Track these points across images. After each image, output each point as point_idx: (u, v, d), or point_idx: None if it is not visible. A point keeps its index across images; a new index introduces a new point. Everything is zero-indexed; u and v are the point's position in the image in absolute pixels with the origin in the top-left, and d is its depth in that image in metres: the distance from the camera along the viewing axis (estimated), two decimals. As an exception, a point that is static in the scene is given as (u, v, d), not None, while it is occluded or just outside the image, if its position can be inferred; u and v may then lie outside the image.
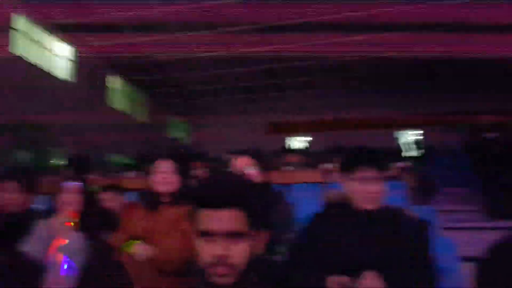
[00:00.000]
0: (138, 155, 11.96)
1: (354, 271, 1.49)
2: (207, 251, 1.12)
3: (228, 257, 1.11)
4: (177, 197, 2.24)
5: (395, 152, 13.49)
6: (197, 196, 1.20)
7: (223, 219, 1.12)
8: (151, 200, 2.26)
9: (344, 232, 1.69)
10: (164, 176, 2.24)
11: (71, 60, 15.96)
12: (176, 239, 2.01)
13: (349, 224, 1.71)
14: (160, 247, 1.98)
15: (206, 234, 1.13)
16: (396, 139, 21.53)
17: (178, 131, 24.07)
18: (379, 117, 20.63)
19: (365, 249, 1.61)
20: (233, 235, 1.12)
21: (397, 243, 1.64)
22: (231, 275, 1.11)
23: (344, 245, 1.65)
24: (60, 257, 2.22)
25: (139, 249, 1.97)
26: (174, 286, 1.85)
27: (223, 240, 1.11)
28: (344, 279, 1.47)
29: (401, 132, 21.96)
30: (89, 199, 2.45)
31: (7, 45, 12.93)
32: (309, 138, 22.53)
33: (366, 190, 1.71)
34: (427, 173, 7.89)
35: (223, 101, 21.60)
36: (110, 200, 3.20)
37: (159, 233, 2.09)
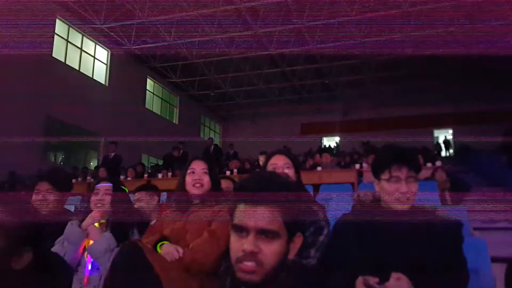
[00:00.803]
0: (166, 157, 12.11)
1: (384, 273, 1.44)
2: (238, 245, 1.13)
3: (257, 254, 1.10)
4: (209, 199, 2.23)
5: (429, 151, 13.13)
6: (237, 190, 1.22)
7: (258, 216, 1.13)
8: (181, 200, 2.26)
9: (375, 233, 1.64)
10: (196, 178, 2.23)
11: (108, 64, 16.37)
12: (206, 239, 2.00)
13: (380, 225, 1.66)
14: (190, 247, 1.98)
15: (240, 229, 1.13)
16: (432, 138, 20.94)
17: (211, 132, 24.28)
18: (413, 116, 20.12)
19: (396, 250, 1.56)
20: (266, 233, 1.12)
21: (428, 244, 1.59)
22: (258, 273, 1.10)
23: (375, 246, 1.60)
24: (86, 258, 2.25)
25: (168, 250, 1.97)
26: (202, 287, 1.85)
27: (255, 236, 1.11)
28: (374, 280, 1.43)
29: (436, 130, 21.35)
30: (120, 200, 2.46)
31: (49, 49, 13.44)
32: (341, 139, 22.25)
33: (397, 190, 1.66)
34: (461, 172, 7.61)
35: (255, 103, 21.64)
36: (144, 200, 3.24)
37: (189, 234, 2.09)
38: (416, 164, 1.71)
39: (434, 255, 1.56)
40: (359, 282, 1.46)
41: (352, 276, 1.49)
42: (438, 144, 19.44)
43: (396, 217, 1.66)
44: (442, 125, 20.77)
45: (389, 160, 1.71)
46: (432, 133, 21.22)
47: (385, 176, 1.69)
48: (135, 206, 3.19)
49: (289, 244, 1.17)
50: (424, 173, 6.54)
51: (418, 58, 15.32)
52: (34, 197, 2.52)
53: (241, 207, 1.16)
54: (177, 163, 11.05)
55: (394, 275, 1.41)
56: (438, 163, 8.33)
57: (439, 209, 1.80)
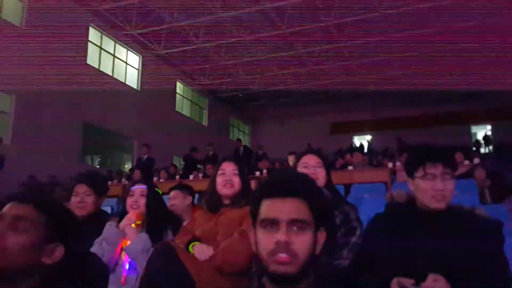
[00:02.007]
0: (186, 158, 12.24)
1: (420, 274, 1.41)
2: (269, 238, 1.13)
3: (291, 245, 1.10)
4: (238, 199, 2.25)
5: (466, 148, 12.75)
6: (263, 186, 1.23)
7: (287, 207, 1.14)
8: (212, 201, 2.29)
9: (409, 234, 1.61)
10: (226, 179, 2.25)
11: (139, 69, 16.73)
12: (237, 240, 2.02)
13: (415, 225, 1.63)
14: (221, 248, 2.00)
15: (270, 223, 1.14)
16: (470, 135, 20.31)
17: (240, 133, 24.40)
18: (449, 112, 19.57)
19: (432, 251, 1.53)
20: (297, 223, 1.13)
21: (466, 244, 1.53)
22: (293, 265, 1.10)
23: (410, 247, 1.57)
24: (124, 257, 2.31)
25: (200, 250, 2.00)
26: (234, 287, 1.86)
27: (286, 227, 1.12)
28: (409, 282, 1.40)
29: (474, 126, 20.69)
30: (154, 201, 2.52)
31: (83, 56, 13.87)
32: (373, 137, 21.90)
33: (433, 189, 1.61)
34: (501, 170, 7.34)
35: (285, 103, 21.59)
36: (178, 199, 3.30)
37: (220, 234, 2.11)
38: (452, 161, 1.67)
39: (473, 255, 1.52)
40: (394, 284, 1.44)
41: (386, 278, 1.47)
42: (476, 141, 18.85)
43: (431, 217, 1.62)
44: (480, 121, 20.10)
45: (423, 157, 1.67)
46: (469, 130, 20.61)
47: (419, 173, 1.65)
48: (170, 204, 3.25)
49: (315, 239, 1.17)
50: (462, 171, 6.34)
51: (451, 52, 14.91)
52: (73, 199, 2.61)
53: (266, 202, 1.17)
54: (197, 164, 11.20)
55: (431, 276, 1.38)
56: (477, 161, 8.06)
57: (478, 208, 1.74)
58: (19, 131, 11.40)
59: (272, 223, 1.14)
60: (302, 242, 1.12)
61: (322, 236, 1.20)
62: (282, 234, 1.11)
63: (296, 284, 1.14)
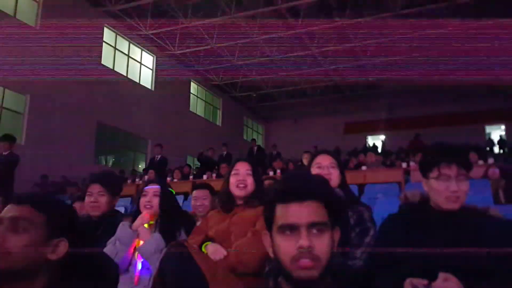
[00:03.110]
0: (200, 158, 12.29)
1: (433, 275, 1.39)
2: (291, 244, 1.11)
3: (313, 249, 1.09)
4: (252, 199, 2.24)
5: (481, 148, 12.56)
6: (277, 191, 1.21)
7: (305, 211, 1.13)
8: (226, 201, 2.29)
9: (424, 234, 1.59)
10: (240, 179, 2.25)
11: (153, 69, 16.85)
12: (250, 240, 2.02)
13: (429, 226, 1.61)
14: (234, 248, 2.00)
15: (290, 228, 1.13)
16: (484, 134, 20.00)
17: (253, 133, 24.41)
18: (463, 112, 19.30)
19: (446, 252, 1.51)
20: (316, 226, 1.12)
21: (480, 245, 1.51)
22: (316, 269, 1.10)
23: (424, 248, 1.55)
24: (137, 257, 2.33)
25: (213, 250, 2.01)
26: (248, 287, 1.86)
27: (306, 231, 1.11)
28: (422, 282, 1.39)
29: (488, 126, 20.37)
30: (168, 201, 2.53)
31: (99, 57, 14.03)
32: (386, 137, 21.71)
33: (447, 190, 1.59)
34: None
35: (299, 103, 21.52)
36: (199, 199, 3.26)
37: (233, 235, 2.11)
38: (467, 162, 1.64)
39: (487, 256, 1.49)
40: (407, 284, 1.42)
41: (400, 278, 1.45)
42: (490, 141, 18.55)
43: (445, 218, 1.60)
44: (494, 121, 19.77)
45: (437, 157, 1.65)
46: (483, 130, 20.29)
47: (433, 174, 1.63)
48: (198, 204, 3.24)
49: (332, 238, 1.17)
50: (476, 171, 6.26)
51: (466, 52, 14.70)
52: (86, 199, 2.64)
53: (282, 207, 1.16)
54: (211, 164, 11.23)
55: (442, 276, 1.36)
56: (491, 161, 7.95)
57: (492, 208, 1.71)
58: (33, 131, 11.56)
59: (291, 229, 1.13)
60: (323, 245, 1.12)
61: (337, 234, 1.20)
62: (304, 239, 1.10)
63: (316, 286, 1.13)
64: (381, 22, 13.06)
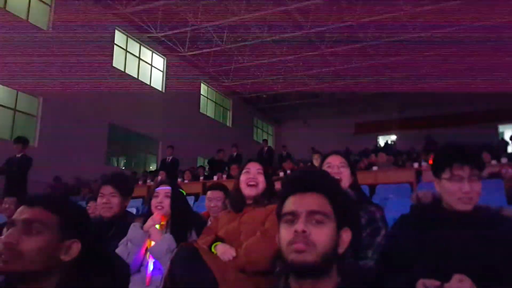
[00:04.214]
0: (210, 159, 12.33)
1: (445, 276, 1.38)
2: (289, 230, 1.16)
3: (309, 234, 1.13)
4: (262, 198, 2.24)
5: (494, 147, 12.40)
6: (285, 184, 1.28)
7: (306, 200, 1.18)
8: (236, 201, 2.30)
9: (436, 235, 1.58)
10: (250, 177, 2.25)
11: (164, 71, 16.95)
12: (259, 239, 2.01)
13: (441, 226, 1.59)
14: (244, 248, 2.00)
15: (290, 215, 1.18)
16: (497, 134, 19.75)
17: (264, 134, 24.40)
18: (476, 111, 19.07)
19: (459, 253, 1.49)
20: (316, 215, 1.16)
21: (494, 246, 1.50)
22: (310, 253, 1.11)
23: (436, 249, 1.54)
24: (148, 258, 2.34)
25: (223, 250, 2.01)
26: (258, 287, 1.86)
27: (305, 218, 1.15)
28: (434, 283, 1.37)
29: (501, 126, 20.10)
30: (179, 202, 2.54)
31: (109, 59, 14.16)
32: (398, 137, 21.54)
33: (460, 191, 1.58)
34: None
35: (309, 103, 21.44)
36: (213, 200, 3.27)
37: (243, 234, 2.11)
38: (479, 162, 1.63)
39: (501, 257, 1.48)
40: (419, 286, 1.41)
41: (411, 279, 1.44)
42: (503, 140, 18.30)
43: (458, 218, 1.59)
44: (507, 120, 19.50)
45: (450, 158, 1.64)
46: (496, 129, 20.03)
47: (446, 175, 1.62)
48: (212, 205, 3.25)
49: (338, 236, 1.18)
50: (489, 171, 6.18)
51: (480, 49, 14.52)
52: (98, 200, 2.66)
53: (289, 199, 1.22)
54: (221, 166, 11.26)
55: (456, 277, 1.35)
56: (504, 160, 7.85)
57: (506, 209, 1.69)
58: (46, 133, 11.69)
59: (292, 216, 1.17)
60: (320, 233, 1.14)
61: (347, 235, 1.21)
62: (300, 224, 1.14)
63: (318, 280, 1.14)
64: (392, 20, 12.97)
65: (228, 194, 3.26)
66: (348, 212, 1.24)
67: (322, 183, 1.22)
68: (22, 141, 7.23)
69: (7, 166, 7.01)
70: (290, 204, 1.20)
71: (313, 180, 1.22)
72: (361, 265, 1.93)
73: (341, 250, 1.19)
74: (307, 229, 1.13)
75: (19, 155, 7.08)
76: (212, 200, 3.26)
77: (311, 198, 1.18)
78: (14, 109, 11.64)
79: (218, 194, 3.28)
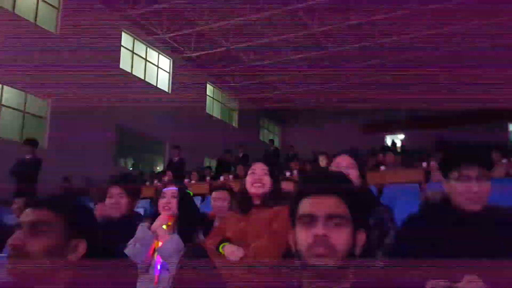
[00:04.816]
0: (222, 159, 12.34)
1: (454, 276, 1.37)
2: (307, 233, 1.15)
3: (329, 239, 1.13)
4: (269, 199, 2.24)
5: (504, 146, 12.28)
6: (300, 186, 1.27)
7: (325, 203, 1.17)
8: (243, 201, 2.30)
9: (445, 235, 1.56)
10: (256, 178, 2.25)
11: (170, 72, 17.01)
12: (267, 240, 2.01)
13: (450, 226, 1.58)
14: (251, 248, 2.00)
15: (308, 218, 1.17)
16: (507, 132, 19.55)
17: (270, 134, 24.38)
18: (486, 109, 18.85)
19: (468, 252, 1.48)
20: (334, 218, 1.15)
21: (503, 245, 1.48)
22: (331, 258, 1.12)
23: (445, 249, 1.53)
24: (156, 258, 2.35)
25: (231, 251, 2.01)
26: (266, 286, 1.86)
27: (324, 221, 1.14)
28: (444, 283, 1.36)
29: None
30: (186, 203, 2.55)
31: (117, 61, 14.25)
32: (406, 136, 21.40)
33: (469, 190, 1.57)
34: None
35: (314, 103, 21.37)
36: (219, 200, 3.28)
37: (250, 235, 2.11)
38: (488, 162, 1.62)
39: (510, 257, 1.46)
40: (428, 286, 1.40)
41: (420, 280, 1.43)
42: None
43: (467, 218, 1.57)
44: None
45: (457, 158, 1.63)
46: (506, 127, 19.84)
47: (454, 175, 1.61)
48: (218, 205, 3.26)
49: (354, 238, 1.19)
50: (499, 170, 6.12)
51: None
52: (107, 200, 2.67)
53: (304, 200, 1.20)
54: (230, 166, 11.27)
55: (467, 277, 1.34)
56: (514, 159, 7.75)
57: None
58: (55, 134, 11.78)
59: (310, 219, 1.16)
60: (339, 237, 1.14)
61: (361, 237, 1.21)
62: (320, 228, 1.13)
63: (335, 282, 1.14)
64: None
65: (233, 194, 3.29)
66: (364, 214, 1.25)
67: (340, 186, 1.22)
68: (31, 143, 7.29)
69: (17, 167, 7.07)
70: (308, 206, 1.19)
71: (332, 183, 1.22)
72: (370, 266, 1.92)
73: (357, 251, 1.19)
74: (327, 233, 1.13)
75: (29, 157, 7.13)
76: (217, 200, 3.28)
77: (329, 201, 1.17)
78: (24, 111, 11.74)
79: (223, 194, 3.29)
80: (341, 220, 1.16)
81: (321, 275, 1.14)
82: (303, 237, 1.16)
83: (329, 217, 1.15)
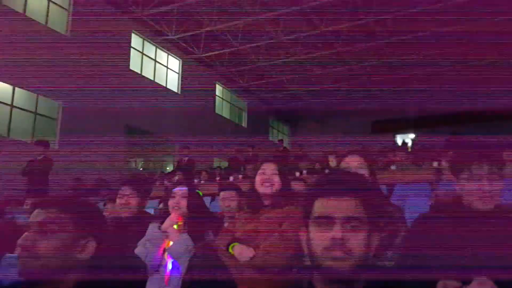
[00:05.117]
0: (231, 159, 12.36)
1: (467, 276, 1.35)
2: (324, 235, 1.13)
3: (346, 242, 1.11)
4: (278, 199, 2.24)
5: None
6: (317, 185, 1.24)
7: (342, 205, 1.15)
8: (252, 201, 2.30)
9: (456, 235, 1.54)
10: (266, 178, 2.25)
11: (180, 73, 17.08)
12: (277, 240, 2.01)
13: (461, 226, 1.56)
14: (261, 248, 2.00)
15: (325, 219, 1.15)
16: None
17: (279, 134, 24.36)
18: (497, 107, 18.63)
19: (479, 253, 1.46)
20: (352, 221, 1.13)
21: None
22: (347, 261, 1.11)
23: (456, 249, 1.51)
24: (166, 258, 2.36)
25: (240, 251, 2.01)
26: (275, 286, 1.86)
27: (342, 224, 1.13)
28: (455, 284, 1.35)
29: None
30: (195, 203, 2.56)
31: (126, 62, 14.34)
32: (416, 135, 21.23)
33: (480, 190, 1.55)
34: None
35: (324, 102, 21.30)
36: (226, 200, 3.28)
37: (260, 235, 2.11)
38: (499, 160, 1.59)
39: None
40: (440, 287, 1.39)
41: (431, 281, 1.42)
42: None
43: (479, 218, 1.56)
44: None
45: (468, 157, 1.61)
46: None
47: (464, 174, 1.59)
48: (225, 205, 3.26)
49: (369, 240, 1.17)
50: (510, 169, 6.03)
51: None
52: (118, 201, 2.69)
53: (321, 201, 1.18)
54: (241, 166, 11.27)
55: (478, 280, 1.32)
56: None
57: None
58: (66, 135, 11.88)
59: (327, 220, 1.14)
60: (356, 240, 1.13)
61: (376, 238, 1.20)
62: (338, 230, 1.11)
63: (348, 284, 1.13)
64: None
65: (241, 194, 3.30)
66: (378, 215, 1.23)
67: (358, 187, 1.19)
68: (43, 143, 7.38)
69: (29, 168, 7.15)
70: (324, 207, 1.16)
71: (349, 183, 1.20)
72: (380, 266, 1.91)
73: (372, 253, 1.18)
74: (345, 236, 1.11)
75: (40, 157, 7.21)
76: (225, 200, 3.28)
77: (347, 202, 1.15)
78: (35, 112, 11.86)
79: (231, 194, 3.29)
80: (358, 223, 1.14)
81: (335, 278, 1.12)
82: (319, 239, 1.14)
83: (347, 219, 1.13)
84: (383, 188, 5.45)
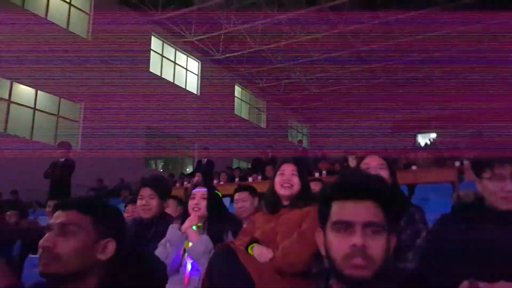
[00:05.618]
0: (254, 160, 12.39)
1: (489, 277, 1.32)
2: (343, 242, 1.10)
3: (367, 249, 1.08)
4: (298, 200, 2.23)
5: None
6: (334, 187, 1.20)
7: (362, 210, 1.11)
8: (271, 202, 2.30)
9: (479, 235, 1.52)
10: (285, 178, 2.25)
11: (199, 74, 17.22)
12: (296, 241, 2.01)
13: (484, 227, 1.53)
14: (280, 249, 2.00)
15: (344, 225, 1.11)
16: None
17: (298, 135, 24.28)
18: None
19: (503, 254, 1.43)
20: (372, 226, 1.10)
21: None
22: (369, 269, 1.08)
23: (479, 250, 1.48)
24: (186, 259, 2.38)
25: (260, 252, 2.01)
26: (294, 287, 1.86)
27: (362, 230, 1.09)
28: (479, 285, 1.32)
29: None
30: (215, 204, 2.57)
31: (146, 65, 14.53)
32: (438, 134, 20.89)
33: (502, 190, 1.51)
34: None
35: (344, 102, 21.16)
36: (248, 202, 3.27)
37: (279, 236, 2.11)
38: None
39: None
40: (463, 287, 1.36)
41: (454, 282, 1.40)
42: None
43: (502, 218, 1.52)
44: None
45: (490, 157, 1.57)
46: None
47: (487, 174, 1.56)
48: (239, 206, 3.28)
49: (388, 243, 1.14)
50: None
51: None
52: (138, 202, 2.73)
53: (338, 204, 1.15)
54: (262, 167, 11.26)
55: (498, 285, 1.29)
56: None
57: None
58: (87, 137, 12.10)
59: (346, 226, 1.11)
60: (377, 246, 1.09)
61: (393, 240, 1.17)
62: (359, 237, 1.08)
63: (368, 287, 1.11)
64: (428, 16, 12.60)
65: (255, 195, 3.30)
66: (397, 218, 1.21)
67: (378, 191, 1.15)
68: (65, 145, 7.51)
69: (51, 170, 7.29)
70: (343, 211, 1.13)
71: (369, 187, 1.15)
72: (402, 267, 1.89)
73: (390, 256, 1.15)
74: (365, 243, 1.08)
75: (62, 159, 7.35)
76: (238, 202, 3.28)
77: (367, 207, 1.12)
78: (57, 115, 12.12)
79: (244, 195, 3.28)
80: (378, 229, 1.11)
81: (356, 286, 1.10)
82: (338, 246, 1.11)
83: (367, 224, 1.10)
84: (404, 188, 5.38)
